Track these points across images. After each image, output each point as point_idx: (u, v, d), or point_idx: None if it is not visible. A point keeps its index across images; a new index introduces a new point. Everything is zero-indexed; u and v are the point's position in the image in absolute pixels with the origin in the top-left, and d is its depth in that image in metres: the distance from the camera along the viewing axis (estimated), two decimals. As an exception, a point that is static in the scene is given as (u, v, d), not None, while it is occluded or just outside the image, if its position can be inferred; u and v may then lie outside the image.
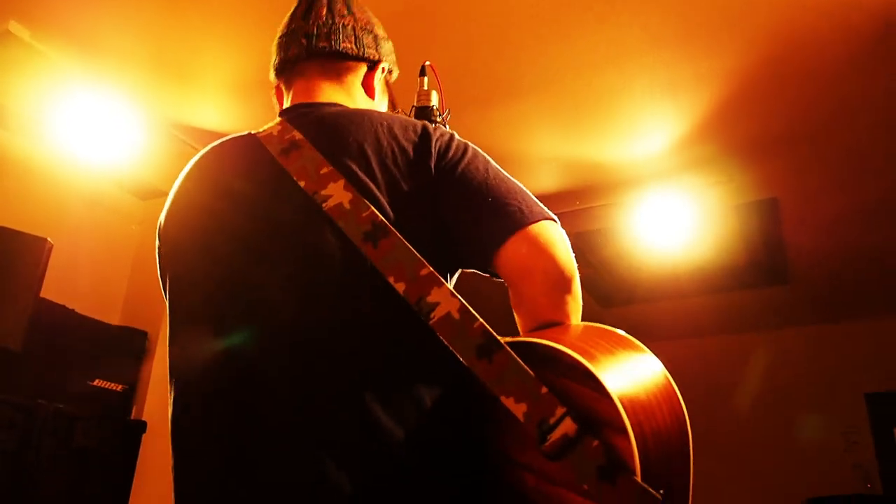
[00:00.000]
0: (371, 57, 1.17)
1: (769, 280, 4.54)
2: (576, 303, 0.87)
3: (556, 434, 0.69)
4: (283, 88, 1.19)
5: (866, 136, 3.07)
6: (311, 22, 1.15)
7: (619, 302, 4.90)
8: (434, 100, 1.52)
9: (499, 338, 0.76)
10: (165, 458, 3.46)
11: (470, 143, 0.99)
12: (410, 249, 0.84)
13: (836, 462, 4.58)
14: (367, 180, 0.91)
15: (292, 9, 1.21)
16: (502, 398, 0.73)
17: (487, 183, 0.92)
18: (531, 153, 3.37)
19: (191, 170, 1.08)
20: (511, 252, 0.86)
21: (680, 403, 0.73)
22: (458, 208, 0.91)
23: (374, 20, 1.23)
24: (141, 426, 3.19)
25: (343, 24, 1.15)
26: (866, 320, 4.92)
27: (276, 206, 0.94)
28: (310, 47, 1.12)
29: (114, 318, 3.63)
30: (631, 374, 0.73)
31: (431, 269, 0.82)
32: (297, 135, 0.98)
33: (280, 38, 1.19)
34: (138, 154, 3.40)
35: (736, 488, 4.55)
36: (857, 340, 4.88)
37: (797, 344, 5.14)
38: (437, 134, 0.98)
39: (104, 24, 2.60)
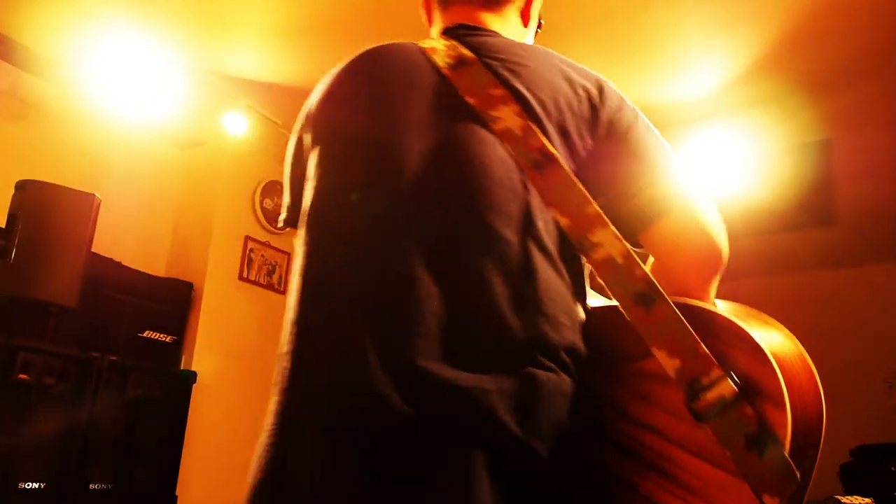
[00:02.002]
0: None
1: (817, 221, 4.42)
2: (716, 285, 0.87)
3: (712, 394, 0.68)
4: (437, 5, 1.11)
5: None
6: None
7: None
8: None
9: (662, 290, 0.74)
10: (216, 406, 3.55)
11: (638, 109, 0.95)
12: (578, 185, 0.81)
13: (878, 407, 4.53)
14: (540, 111, 0.87)
15: None
16: (654, 349, 0.72)
17: (657, 152, 0.90)
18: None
19: (349, 64, 1.00)
20: (672, 226, 0.85)
21: (820, 391, 0.74)
22: (623, 171, 0.88)
23: None
24: (191, 376, 3.26)
25: None
26: (915, 261, 4.79)
27: (441, 117, 0.89)
28: None
29: (159, 270, 3.67)
30: (786, 351, 0.73)
31: (598, 208, 0.80)
32: (466, 52, 0.94)
33: None
34: (178, 104, 3.36)
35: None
36: (906, 282, 4.76)
37: (843, 286, 5.03)
38: (612, 91, 0.94)
39: (139, -30, 2.53)
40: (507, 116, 0.86)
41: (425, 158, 0.85)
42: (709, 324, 0.73)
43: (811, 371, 0.73)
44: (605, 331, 0.82)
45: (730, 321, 0.72)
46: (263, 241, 3.93)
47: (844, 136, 3.53)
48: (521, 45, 0.99)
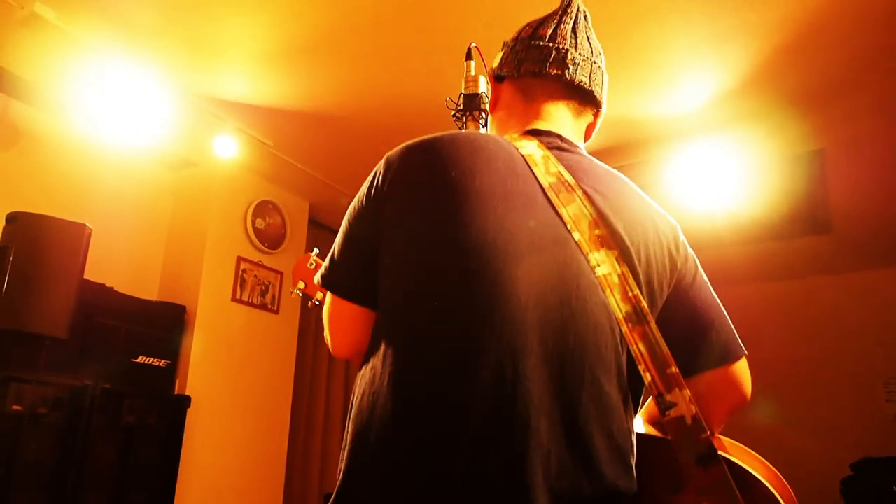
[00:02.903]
0: (603, 103, 1.13)
1: (811, 230, 4.43)
2: None
3: None
4: (518, 93, 1.09)
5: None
6: (576, 46, 1.08)
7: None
8: (482, 86, 1.45)
9: (719, 454, 0.85)
10: (211, 430, 3.54)
11: (696, 256, 1.04)
12: (663, 345, 0.89)
13: (877, 413, 4.53)
14: (635, 260, 0.92)
15: (554, 14, 1.12)
16: (705, 502, 0.84)
17: (717, 302, 1.01)
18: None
19: (450, 144, 0.94)
20: (722, 377, 0.97)
21: None
22: (692, 321, 0.98)
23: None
24: (185, 401, 3.24)
25: (597, 63, 1.10)
26: (910, 268, 4.81)
27: (549, 244, 0.89)
28: (571, 76, 1.06)
29: (152, 294, 3.66)
30: (787, 495, 0.90)
31: (676, 369, 0.88)
32: (566, 175, 0.95)
33: (536, 40, 1.08)
34: (168, 128, 3.36)
35: (773, 439, 4.54)
36: (901, 288, 4.77)
37: (838, 292, 5.04)
38: (683, 241, 1.03)
39: (128, 1, 2.53)
40: (608, 261, 0.90)
41: (538, 291, 0.85)
42: (746, 484, 0.87)
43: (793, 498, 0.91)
44: (643, 458, 0.92)
45: (767, 489, 0.87)
46: (256, 260, 3.92)
47: (836, 147, 3.54)
48: (615, 178, 1.02)
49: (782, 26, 2.61)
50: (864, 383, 4.62)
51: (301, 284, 1.68)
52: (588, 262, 0.89)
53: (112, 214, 3.46)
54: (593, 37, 1.12)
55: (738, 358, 0.98)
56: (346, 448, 0.85)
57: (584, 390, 0.83)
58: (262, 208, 4.00)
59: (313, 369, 4.37)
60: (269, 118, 3.35)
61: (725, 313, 1.00)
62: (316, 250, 1.76)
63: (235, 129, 3.37)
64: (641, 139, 3.48)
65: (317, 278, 1.00)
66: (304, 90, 3.11)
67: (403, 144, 0.96)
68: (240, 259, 3.83)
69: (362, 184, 0.98)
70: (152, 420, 3.05)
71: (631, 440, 0.88)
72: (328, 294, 0.99)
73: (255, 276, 3.90)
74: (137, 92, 3.00)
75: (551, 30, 1.08)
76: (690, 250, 1.03)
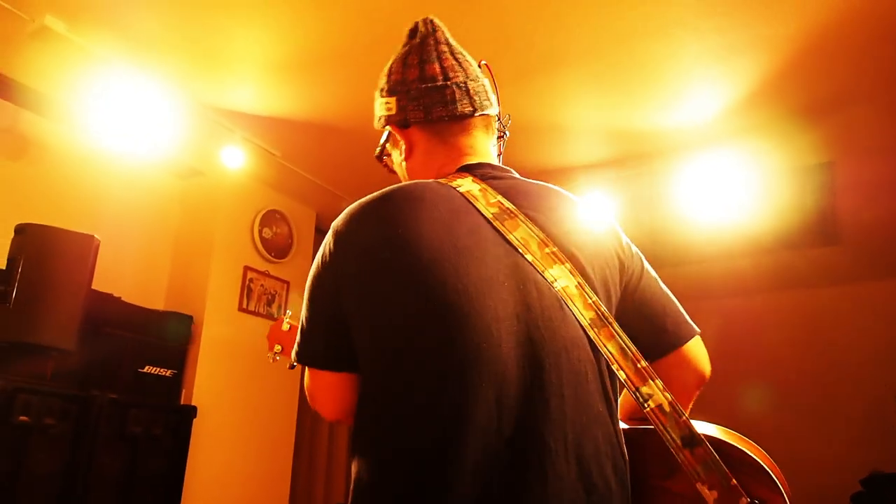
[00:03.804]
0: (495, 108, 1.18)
1: (820, 241, 4.41)
2: None
3: None
4: (434, 136, 1.12)
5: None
6: (466, 73, 1.13)
7: (671, 263, 4.82)
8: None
9: (699, 433, 0.88)
10: (217, 440, 3.53)
11: (641, 253, 1.09)
12: (628, 341, 0.93)
13: (887, 427, 4.49)
14: (588, 268, 0.97)
15: (424, 45, 1.14)
16: (697, 485, 0.86)
17: (663, 292, 1.07)
18: (574, 124, 3.27)
19: (395, 202, 0.96)
20: (680, 358, 1.03)
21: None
22: (646, 311, 1.04)
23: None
24: (191, 411, 3.24)
25: (480, 78, 1.15)
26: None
27: (511, 276, 0.92)
28: (478, 106, 1.12)
29: (158, 304, 3.66)
30: (776, 473, 0.91)
31: (646, 363, 0.92)
32: (506, 202, 1.00)
33: (431, 82, 1.10)
34: (176, 137, 3.38)
35: (784, 446, 4.50)
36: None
37: (847, 303, 5.01)
38: (624, 237, 1.08)
39: (138, 13, 2.55)
40: (563, 275, 0.94)
41: (508, 323, 0.88)
42: (732, 458, 0.89)
43: (783, 478, 0.90)
44: (634, 451, 0.96)
45: (749, 456, 0.90)
46: (263, 270, 3.93)
47: (845, 159, 3.52)
48: (550, 192, 1.07)
49: (792, 39, 2.60)
50: (873, 396, 4.58)
51: (278, 348, 1.74)
52: (545, 279, 0.93)
53: (119, 224, 3.47)
54: (459, 48, 1.16)
55: (689, 338, 1.04)
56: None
57: (581, 413, 0.88)
58: (269, 218, 4.01)
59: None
60: (276, 128, 3.36)
61: (675, 299, 1.07)
62: (289, 312, 1.85)
63: (243, 140, 3.38)
64: (651, 151, 3.48)
65: (293, 356, 1.02)
66: (311, 101, 3.12)
67: (345, 211, 0.99)
68: (246, 268, 3.83)
69: (368, 193, 1.00)
70: (158, 430, 3.04)
71: (621, 447, 0.92)
72: (306, 368, 1.02)
73: (262, 285, 3.90)
74: (146, 102, 3.02)
75: (438, 66, 1.11)
76: (634, 247, 1.08)
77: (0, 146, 3.13)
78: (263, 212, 3.97)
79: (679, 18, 2.49)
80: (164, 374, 3.24)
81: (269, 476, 3.74)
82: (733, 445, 0.92)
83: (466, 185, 1.02)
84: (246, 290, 3.80)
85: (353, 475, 0.89)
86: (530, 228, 0.96)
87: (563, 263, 0.95)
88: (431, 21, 1.16)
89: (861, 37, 2.60)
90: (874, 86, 2.91)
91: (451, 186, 1.01)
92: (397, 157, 1.18)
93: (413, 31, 1.16)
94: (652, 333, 1.02)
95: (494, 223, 0.96)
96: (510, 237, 0.95)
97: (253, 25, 2.61)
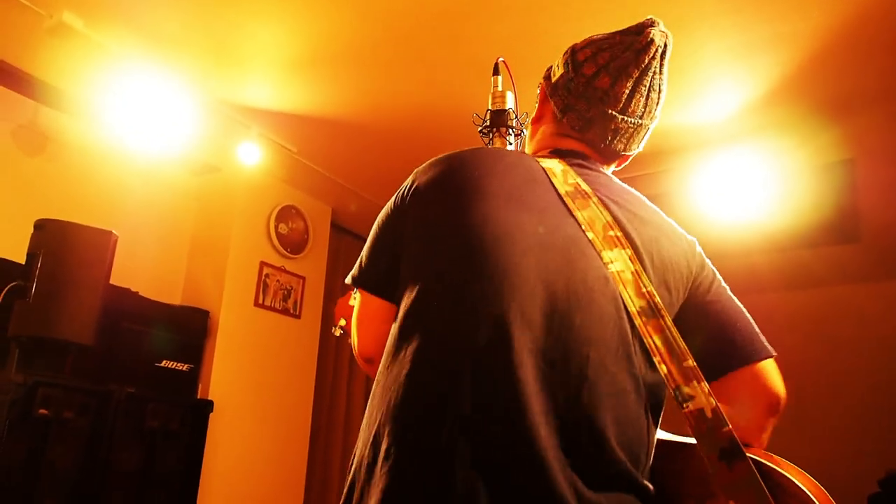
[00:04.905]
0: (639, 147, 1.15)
1: (840, 239, 4.36)
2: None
3: None
4: (556, 125, 1.12)
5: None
6: (629, 109, 1.06)
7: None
8: (510, 102, 1.43)
9: (743, 449, 0.81)
10: (233, 434, 3.55)
11: (715, 269, 1.05)
12: (678, 337, 0.88)
13: (907, 426, 4.43)
14: (647, 261, 0.94)
15: (627, 50, 1.07)
16: (731, 503, 0.80)
17: (737, 307, 1.01)
18: (591, 120, 3.25)
19: (472, 158, 1.00)
20: (749, 376, 0.96)
21: None
22: (712, 323, 0.98)
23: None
24: (208, 406, 3.26)
25: (644, 123, 1.09)
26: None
27: (565, 244, 0.92)
28: (607, 144, 1.08)
29: (175, 299, 3.69)
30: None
31: (694, 363, 0.86)
32: (584, 184, 0.99)
33: (591, 89, 1.06)
34: (193, 134, 3.39)
35: (802, 448, 4.46)
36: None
37: (866, 302, 4.94)
38: (700, 252, 1.04)
39: (154, 9, 2.56)
40: (622, 259, 0.92)
41: (545, 284, 0.87)
42: (777, 484, 0.82)
43: None
44: (671, 465, 0.90)
45: (796, 486, 0.81)
46: (279, 265, 3.94)
47: (866, 157, 3.48)
48: (631, 193, 1.05)
49: (813, 36, 2.56)
50: (891, 396, 4.52)
51: (342, 321, 1.71)
52: (601, 258, 0.91)
53: (137, 220, 3.50)
54: (657, 83, 1.09)
55: (764, 357, 0.97)
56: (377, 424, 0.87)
57: (589, 369, 0.84)
58: (285, 213, 4.02)
59: (334, 374, 4.38)
60: (292, 125, 3.36)
61: (749, 317, 1.00)
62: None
63: (259, 136, 3.38)
64: (670, 148, 3.44)
65: (348, 279, 1.06)
66: (327, 98, 3.11)
67: (431, 159, 1.03)
68: (262, 264, 3.85)
69: (383, 189, 1.04)
70: (175, 424, 3.06)
71: (641, 429, 0.87)
72: (358, 295, 1.07)
73: (278, 280, 3.92)
74: (163, 99, 3.03)
75: (610, 82, 1.04)
76: (708, 261, 1.04)
77: (19, 142, 3.16)
78: (279, 207, 3.98)
79: (699, 15, 2.46)
80: (181, 368, 3.26)
81: (285, 469, 3.76)
82: (781, 472, 0.84)
83: (550, 163, 1.03)
84: (262, 285, 3.81)
85: (381, 393, 0.88)
86: (599, 211, 0.95)
87: (623, 248, 0.92)
88: (667, 37, 1.09)
89: (882, 34, 2.56)
90: (895, 83, 2.86)
91: (534, 159, 1.04)
92: (532, 114, 1.20)
93: (647, 40, 1.06)
94: (719, 347, 0.96)
95: (565, 199, 0.96)
96: (576, 214, 0.95)
97: (269, 22, 2.61)
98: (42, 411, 2.53)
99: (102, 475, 2.73)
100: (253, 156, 3.37)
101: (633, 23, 1.12)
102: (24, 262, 2.46)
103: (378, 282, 1.01)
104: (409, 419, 0.83)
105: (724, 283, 1.03)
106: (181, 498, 3.08)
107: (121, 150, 3.44)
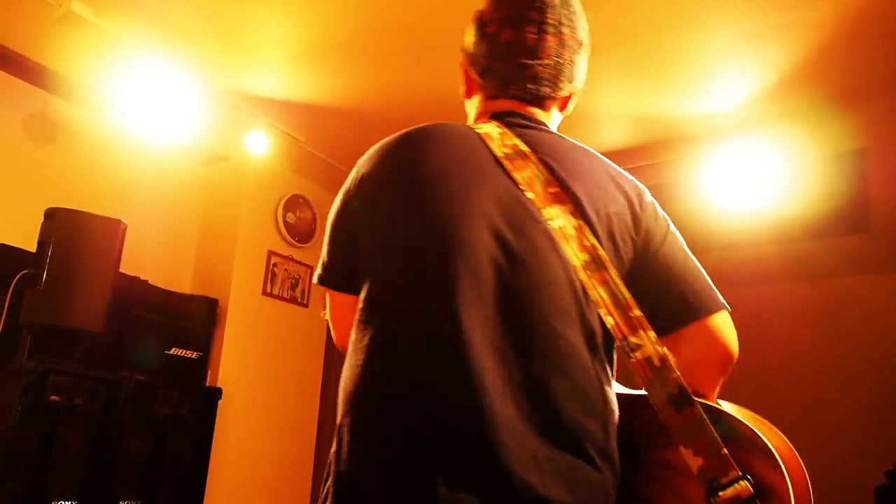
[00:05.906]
0: (575, 86, 1.12)
1: (850, 229, 4.33)
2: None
3: (729, 493, 0.78)
4: (482, 94, 1.13)
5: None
6: (542, 51, 1.05)
7: (697, 250, 4.77)
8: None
9: (692, 395, 0.82)
10: (241, 422, 3.58)
11: (668, 217, 1.04)
12: (623, 289, 0.89)
13: (915, 417, 4.41)
14: (592, 214, 0.94)
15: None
16: (681, 447, 0.81)
17: (690, 260, 1.00)
18: (600, 110, 3.23)
19: (409, 140, 1.02)
20: (706, 329, 0.94)
21: (809, 489, 0.82)
22: (662, 276, 0.97)
23: (585, 27, 1.13)
24: (217, 393, 3.29)
25: (563, 58, 1.07)
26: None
27: (505, 209, 0.93)
28: (532, 93, 1.07)
29: (184, 287, 3.71)
30: (788, 456, 0.82)
31: (640, 312, 0.87)
32: (522, 145, 0.99)
33: (498, 46, 1.07)
34: (201, 124, 3.40)
35: (807, 442, 4.45)
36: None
37: (876, 293, 4.91)
38: (650, 201, 1.03)
39: (162, -1, 2.56)
40: (563, 215, 0.92)
41: (490, 252, 0.88)
42: (736, 431, 0.82)
43: (803, 470, 0.82)
44: (628, 417, 0.90)
45: (750, 429, 0.81)
46: (287, 254, 3.96)
47: (878, 146, 3.45)
48: (573, 145, 1.04)
49: (823, 24, 2.54)
50: (901, 387, 4.50)
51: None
52: (542, 216, 0.92)
53: (146, 208, 3.52)
54: (565, 15, 1.07)
55: (716, 310, 0.95)
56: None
57: (541, 336, 0.85)
58: (293, 203, 4.03)
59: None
60: (300, 114, 3.37)
61: (703, 271, 0.99)
62: None
63: (267, 125, 3.39)
64: (679, 137, 3.43)
65: (315, 279, 1.08)
66: (335, 87, 3.11)
67: (371, 148, 1.06)
68: (270, 253, 3.86)
69: None
70: (184, 411, 3.10)
71: (598, 385, 0.87)
72: (327, 294, 1.09)
73: (286, 269, 3.94)
74: (171, 88, 3.04)
75: (513, 33, 1.05)
76: (661, 211, 1.03)
77: (29, 131, 3.17)
78: (287, 197, 3.99)
79: (707, 3, 2.44)
80: (190, 356, 3.29)
81: (293, 456, 3.80)
82: (739, 420, 0.83)
83: (487, 128, 1.03)
84: (270, 274, 3.83)
85: (342, 385, 0.92)
86: (538, 170, 0.96)
87: (564, 205, 0.93)
88: None
89: (892, 21, 2.53)
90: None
91: (470, 127, 1.04)
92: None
93: None
94: (671, 300, 0.95)
95: (503, 162, 0.96)
96: (514, 175, 0.95)
97: (277, 11, 2.61)
98: (53, 398, 2.56)
99: (113, 461, 2.76)
100: (261, 145, 3.38)
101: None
102: (34, 251, 2.49)
103: (340, 279, 1.04)
104: (363, 409, 0.87)
105: (677, 234, 1.02)
106: (191, 484, 3.12)
107: (130, 139, 3.46)
